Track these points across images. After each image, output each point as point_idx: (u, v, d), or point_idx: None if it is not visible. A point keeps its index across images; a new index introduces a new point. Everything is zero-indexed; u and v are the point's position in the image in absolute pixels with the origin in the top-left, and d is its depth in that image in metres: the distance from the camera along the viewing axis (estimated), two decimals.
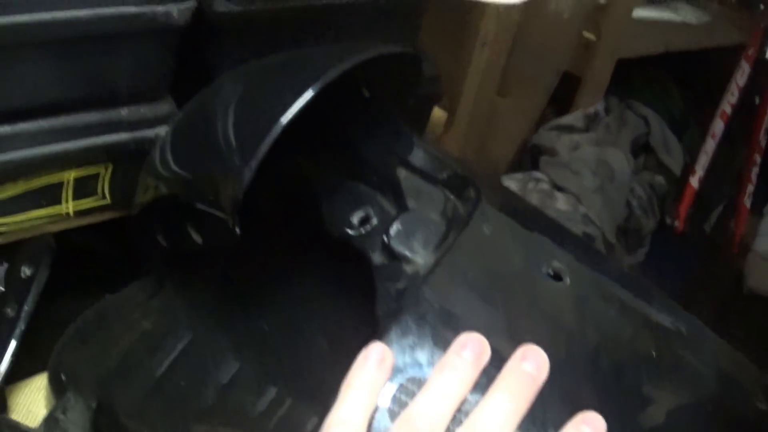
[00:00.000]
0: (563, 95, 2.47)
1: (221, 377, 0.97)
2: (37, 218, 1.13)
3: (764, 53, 2.78)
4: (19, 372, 1.16)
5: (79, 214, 1.17)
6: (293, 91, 0.87)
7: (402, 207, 1.00)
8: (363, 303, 0.92)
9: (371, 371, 0.70)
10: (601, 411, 0.71)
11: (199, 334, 1.01)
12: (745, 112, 2.94)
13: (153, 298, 1.10)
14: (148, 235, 1.09)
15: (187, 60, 1.18)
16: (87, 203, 1.17)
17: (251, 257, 1.09)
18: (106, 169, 1.15)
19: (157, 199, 1.02)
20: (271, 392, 0.93)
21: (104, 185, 1.16)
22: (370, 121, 1.08)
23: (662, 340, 0.91)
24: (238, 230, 0.88)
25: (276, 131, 0.84)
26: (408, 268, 0.91)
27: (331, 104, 0.96)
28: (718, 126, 2.76)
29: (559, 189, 2.20)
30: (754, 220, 2.93)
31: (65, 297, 1.24)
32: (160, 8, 1.06)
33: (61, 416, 0.99)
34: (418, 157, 1.03)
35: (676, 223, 2.78)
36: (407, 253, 0.92)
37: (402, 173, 1.02)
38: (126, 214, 1.18)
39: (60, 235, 1.20)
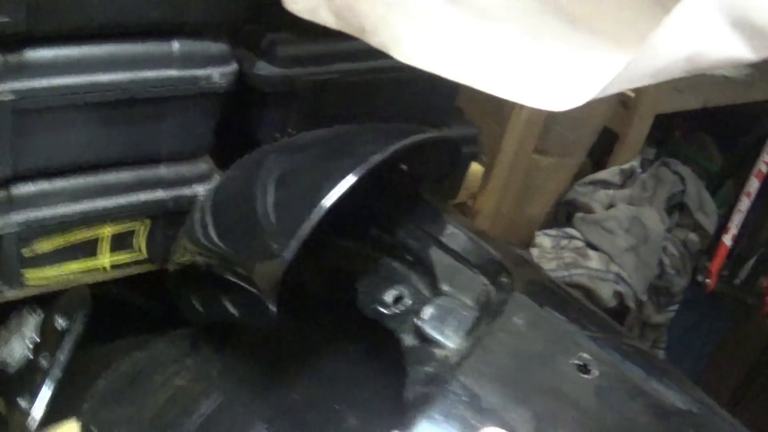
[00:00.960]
0: (600, 150, 2.47)
1: None
2: (73, 271, 1.15)
3: None
4: (51, 416, 1.16)
5: (116, 267, 1.19)
6: (335, 175, 0.88)
7: (436, 289, 1.00)
8: (393, 382, 0.93)
9: None
10: None
11: (230, 398, 1.02)
12: None
13: (188, 357, 1.10)
14: (184, 296, 1.10)
15: (230, 121, 1.19)
16: (123, 257, 1.18)
17: (289, 329, 1.09)
18: (144, 225, 1.16)
19: (195, 264, 1.02)
20: None
21: (141, 240, 1.18)
22: (406, 201, 1.09)
23: (679, 425, 0.91)
24: (274, 309, 0.88)
25: (317, 215, 0.86)
26: (439, 353, 0.92)
27: (370, 181, 0.97)
28: (753, 185, 2.73)
29: (593, 247, 2.19)
30: None
31: (100, 344, 1.25)
32: (201, 72, 1.08)
33: None
34: (454, 239, 1.03)
35: (708, 281, 2.75)
36: (439, 338, 0.93)
37: (437, 255, 1.03)
38: (162, 267, 1.19)
39: (97, 285, 1.21)
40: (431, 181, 1.15)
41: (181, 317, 1.15)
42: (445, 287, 1.00)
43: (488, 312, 0.95)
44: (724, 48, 0.78)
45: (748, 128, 3.00)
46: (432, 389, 0.84)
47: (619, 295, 2.15)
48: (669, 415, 0.92)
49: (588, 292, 2.11)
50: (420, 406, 0.81)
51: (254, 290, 0.90)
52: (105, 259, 1.16)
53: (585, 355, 0.90)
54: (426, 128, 1.02)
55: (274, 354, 1.11)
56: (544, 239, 2.21)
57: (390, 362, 0.96)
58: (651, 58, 0.77)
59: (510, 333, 0.91)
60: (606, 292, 2.11)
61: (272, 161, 1.00)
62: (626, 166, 2.39)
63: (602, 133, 2.34)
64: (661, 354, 2.57)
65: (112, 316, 1.30)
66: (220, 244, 0.96)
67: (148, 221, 1.17)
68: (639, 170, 2.42)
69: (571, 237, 2.23)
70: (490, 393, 0.83)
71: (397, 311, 1.00)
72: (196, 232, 1.00)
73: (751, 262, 3.14)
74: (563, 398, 0.87)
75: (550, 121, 2.01)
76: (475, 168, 1.65)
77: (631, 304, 2.18)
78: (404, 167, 1.10)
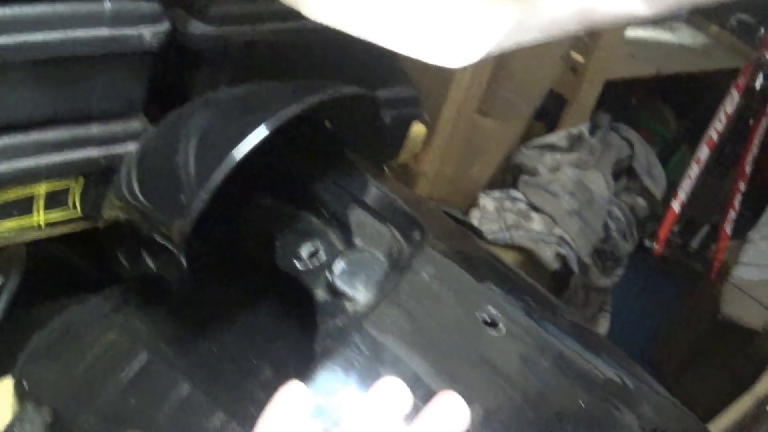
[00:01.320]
0: (552, 112, 2.48)
1: (174, 399, 0.98)
2: (8, 229, 1.15)
3: (755, 82, 2.77)
4: None
5: (50, 225, 1.19)
6: (248, 128, 0.89)
7: (349, 244, 1.02)
8: (307, 334, 0.95)
9: (285, 410, 0.70)
10: None
11: (155, 355, 1.02)
12: (738, 136, 2.95)
13: (117, 312, 1.11)
14: (113, 252, 1.11)
15: (164, 79, 1.19)
16: (58, 215, 1.19)
17: (207, 283, 1.10)
18: (78, 183, 1.17)
19: (119, 219, 1.03)
20: (219, 417, 0.94)
21: (75, 198, 1.18)
22: (325, 156, 1.10)
23: (598, 393, 0.93)
24: (185, 263, 0.90)
25: (227, 166, 0.87)
26: (349, 306, 0.93)
27: (293, 136, 0.98)
28: (703, 152, 2.76)
29: (536, 210, 2.21)
30: (735, 247, 2.93)
31: (38, 300, 1.26)
32: (133, 31, 1.08)
33: (17, 428, 1.01)
34: (369, 195, 1.05)
35: (655, 246, 2.79)
36: (349, 291, 0.94)
37: (353, 210, 1.04)
38: (96, 225, 1.20)
39: (33, 244, 1.22)
40: (363, 140, 1.16)
41: (115, 274, 1.16)
42: (358, 242, 1.02)
43: (398, 266, 0.97)
44: (617, 2, 0.79)
45: (704, 96, 3.03)
46: (337, 344, 0.86)
47: (562, 258, 2.18)
48: (592, 384, 0.94)
49: (530, 254, 2.13)
50: (323, 359, 0.83)
51: (169, 244, 0.92)
52: (40, 217, 1.17)
53: (492, 310, 0.92)
54: (348, 85, 1.02)
55: (196, 310, 1.12)
56: (487, 201, 2.23)
57: (305, 316, 0.97)
58: (541, 11, 0.78)
59: (418, 286, 0.92)
60: (548, 254, 2.13)
61: (195, 117, 1.00)
62: (574, 130, 2.41)
63: (556, 98, 2.36)
64: (607, 317, 2.60)
65: (49, 274, 1.32)
66: (142, 199, 0.97)
67: (81, 179, 1.18)
68: (587, 135, 2.44)
69: (515, 199, 2.25)
70: (392, 345, 0.85)
71: (311, 266, 1.01)
72: (122, 186, 1.01)
73: (705, 229, 3.18)
74: (468, 351, 0.89)
75: (493, 82, 2.02)
76: (418, 129, 1.65)
77: (575, 267, 2.20)
78: (328, 125, 1.12)
